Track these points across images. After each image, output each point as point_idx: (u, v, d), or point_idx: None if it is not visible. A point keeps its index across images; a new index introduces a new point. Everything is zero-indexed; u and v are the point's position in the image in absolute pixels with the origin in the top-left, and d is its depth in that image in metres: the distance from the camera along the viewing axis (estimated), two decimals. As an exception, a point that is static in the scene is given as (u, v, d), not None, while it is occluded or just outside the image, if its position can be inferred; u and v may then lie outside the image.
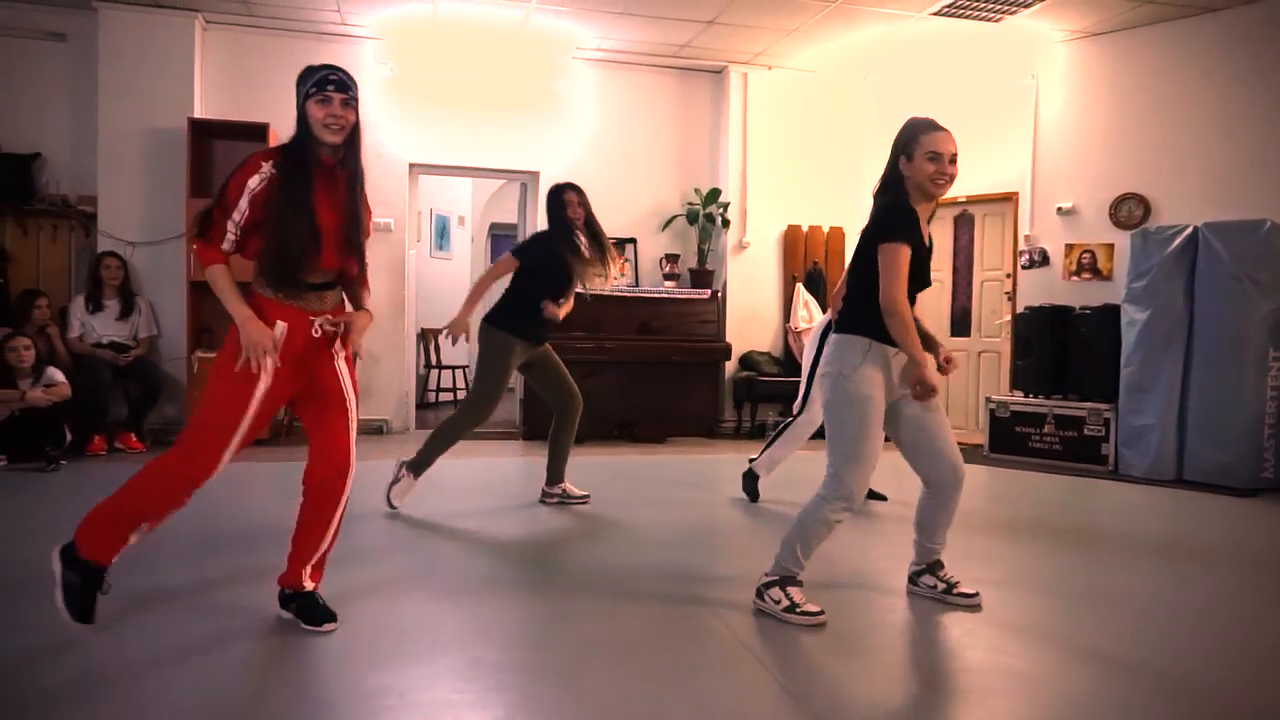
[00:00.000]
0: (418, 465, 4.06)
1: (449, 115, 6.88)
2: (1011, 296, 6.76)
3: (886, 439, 2.74)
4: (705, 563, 3.45)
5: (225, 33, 6.40)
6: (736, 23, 6.20)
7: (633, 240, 7.25)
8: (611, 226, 4.97)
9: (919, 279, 2.70)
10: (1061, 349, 6.05)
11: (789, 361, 7.34)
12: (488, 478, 5.14)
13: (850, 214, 7.59)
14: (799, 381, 7.10)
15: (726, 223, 7.20)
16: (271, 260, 2.33)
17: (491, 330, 4.07)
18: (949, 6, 5.75)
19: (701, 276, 7.24)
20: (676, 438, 6.91)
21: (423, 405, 8.27)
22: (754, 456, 4.57)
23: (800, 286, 7.37)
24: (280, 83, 6.44)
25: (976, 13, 5.85)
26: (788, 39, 6.55)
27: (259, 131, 6.13)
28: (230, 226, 2.34)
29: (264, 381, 2.31)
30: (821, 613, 2.61)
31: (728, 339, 7.18)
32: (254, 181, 2.33)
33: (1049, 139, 6.55)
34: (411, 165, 6.85)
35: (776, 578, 2.68)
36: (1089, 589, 3.10)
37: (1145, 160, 6.03)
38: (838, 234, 7.52)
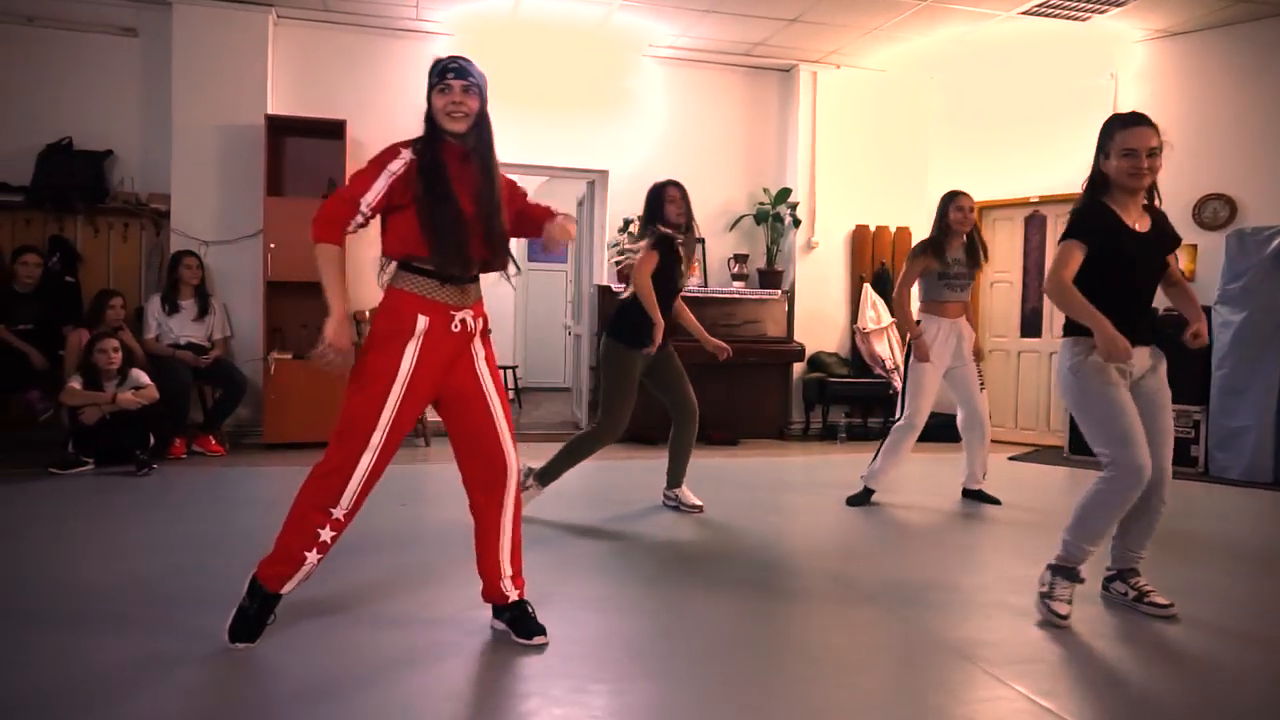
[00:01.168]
0: (545, 475, 4.02)
1: (519, 113, 6.77)
2: (1086, 297, 6.72)
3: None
4: (861, 567, 3.38)
5: (298, 28, 6.30)
6: (819, 20, 6.15)
7: (701, 240, 7.17)
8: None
9: (1145, 270, 2.71)
10: (1147, 350, 6.01)
11: (857, 362, 7.30)
12: (588, 482, 5.05)
13: (917, 214, 7.53)
14: (869, 383, 7.14)
15: (797, 222, 7.15)
16: (419, 250, 2.25)
17: (610, 342, 4.03)
18: (1040, 5, 5.71)
19: (771, 276, 7.18)
20: (748, 440, 6.84)
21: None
22: (864, 473, 4.52)
23: (868, 287, 7.32)
24: (355, 79, 6.40)
25: (1066, 11, 5.81)
26: (865, 38, 6.49)
27: (336, 129, 6.04)
28: (363, 205, 2.23)
29: (399, 383, 2.23)
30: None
31: (797, 339, 7.12)
32: (395, 164, 2.26)
33: (1128, 139, 6.51)
34: (482, 164, 6.75)
35: (1060, 565, 2.73)
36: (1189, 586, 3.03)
37: (1230, 160, 6.00)
38: (905, 234, 7.47)
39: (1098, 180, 2.73)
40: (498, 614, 2.45)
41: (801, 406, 7.25)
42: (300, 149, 6.21)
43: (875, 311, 7.27)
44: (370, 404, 2.23)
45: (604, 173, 7.03)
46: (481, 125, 2.33)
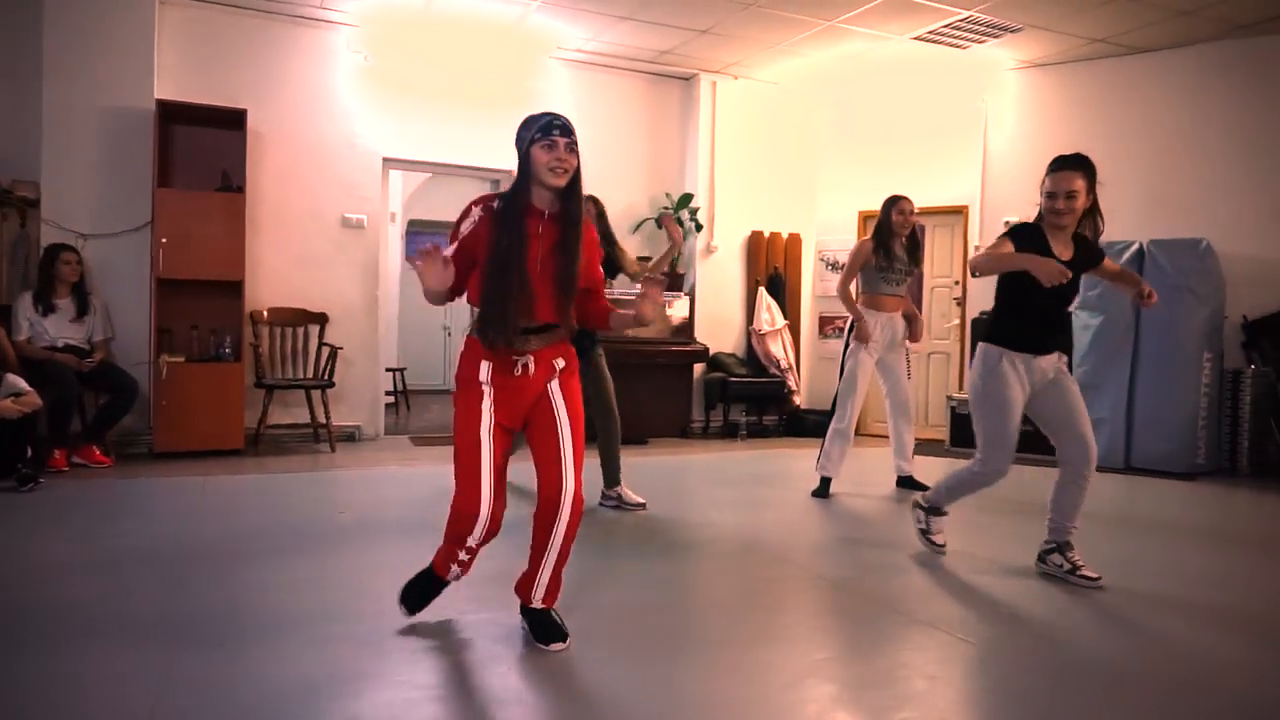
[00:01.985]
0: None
1: (423, 109, 6.64)
2: (961, 302, 7.33)
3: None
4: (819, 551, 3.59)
5: (191, 10, 5.90)
6: (729, 33, 6.38)
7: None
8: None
9: (1049, 291, 2.92)
10: (1017, 351, 6.63)
11: (753, 362, 7.61)
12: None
13: (807, 222, 7.97)
14: (766, 382, 7.46)
15: (700, 226, 7.37)
16: (481, 310, 2.39)
17: None
18: (929, 32, 6.17)
19: (673, 279, 7.36)
20: (654, 439, 7.00)
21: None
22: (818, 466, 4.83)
23: (763, 290, 7.64)
24: (255, 67, 6.08)
25: (950, 39, 6.32)
26: (767, 51, 6.79)
27: (235, 119, 5.71)
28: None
29: (486, 415, 2.40)
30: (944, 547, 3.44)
31: (699, 340, 7.35)
32: (465, 226, 2.37)
33: (998, 158, 7.15)
34: (385, 160, 6.56)
35: (927, 504, 3.45)
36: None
37: (1085, 181, 6.71)
38: (796, 240, 7.86)
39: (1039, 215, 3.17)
40: (523, 612, 2.54)
41: (702, 405, 7.48)
42: (195, 138, 5.82)
43: (770, 314, 7.61)
44: (471, 446, 2.38)
45: (511, 173, 6.97)
46: (576, 184, 2.39)
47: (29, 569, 3.09)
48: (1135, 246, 6.08)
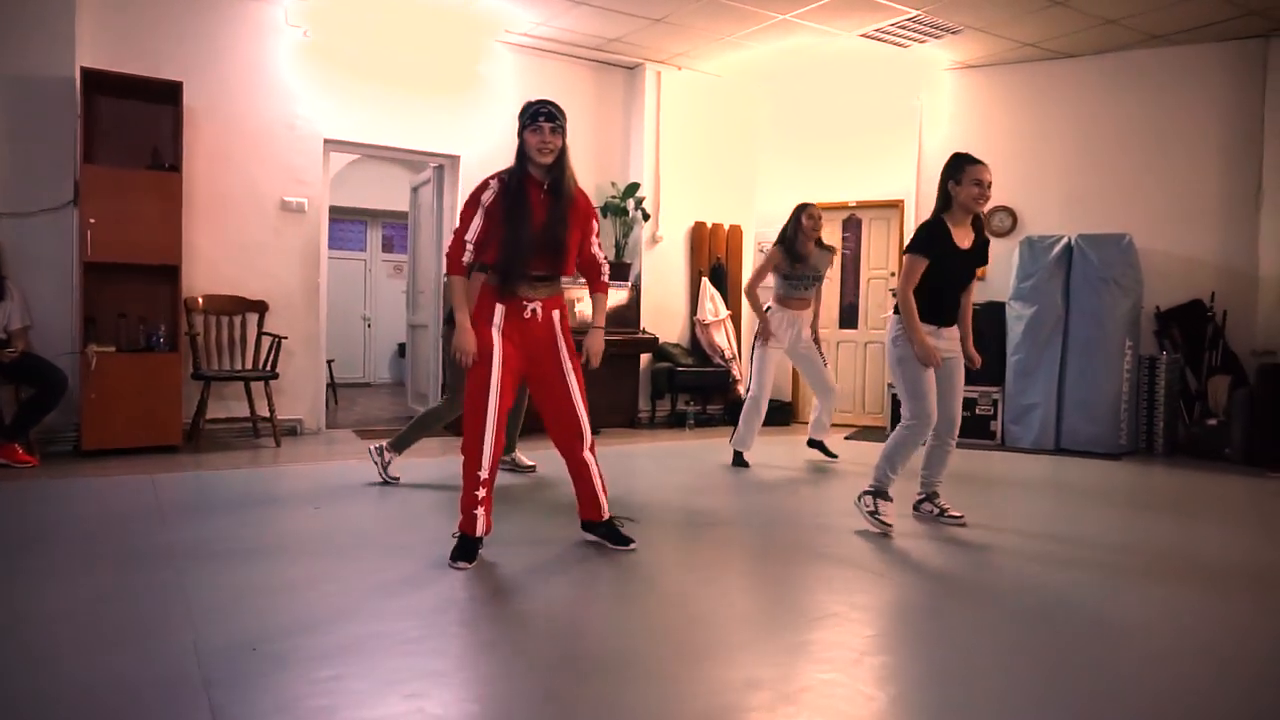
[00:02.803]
0: (399, 444, 4.47)
1: (366, 90, 6.38)
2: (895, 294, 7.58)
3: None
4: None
5: (112, -27, 5.47)
6: (682, 23, 6.39)
7: (551, 231, 7.17)
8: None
9: (959, 277, 3.68)
10: (954, 340, 6.92)
11: (698, 352, 7.67)
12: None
13: (747, 214, 8.08)
14: (711, 372, 7.53)
15: (647, 216, 7.37)
16: (495, 263, 2.96)
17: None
18: (877, 30, 6.35)
19: (619, 269, 7.33)
20: (605, 429, 6.96)
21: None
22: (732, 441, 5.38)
23: (706, 280, 7.71)
24: (188, 40, 5.69)
25: (894, 38, 6.52)
26: (715, 43, 6.84)
27: (169, 92, 5.35)
28: (468, 241, 2.92)
29: (496, 366, 2.91)
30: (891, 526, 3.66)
31: (645, 330, 7.35)
32: (486, 196, 2.93)
33: (933, 154, 7.42)
34: (327, 141, 6.26)
35: (873, 488, 3.71)
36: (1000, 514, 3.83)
37: (1015, 178, 7.05)
38: (736, 232, 7.97)
39: (944, 201, 3.66)
40: (591, 529, 3.24)
41: (649, 395, 7.49)
42: (123, 112, 5.41)
43: (713, 304, 7.68)
44: (481, 389, 2.91)
45: (456, 158, 6.79)
46: (562, 159, 2.94)
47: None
48: (1064, 241, 6.44)
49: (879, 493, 3.69)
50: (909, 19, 6.13)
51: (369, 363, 11.49)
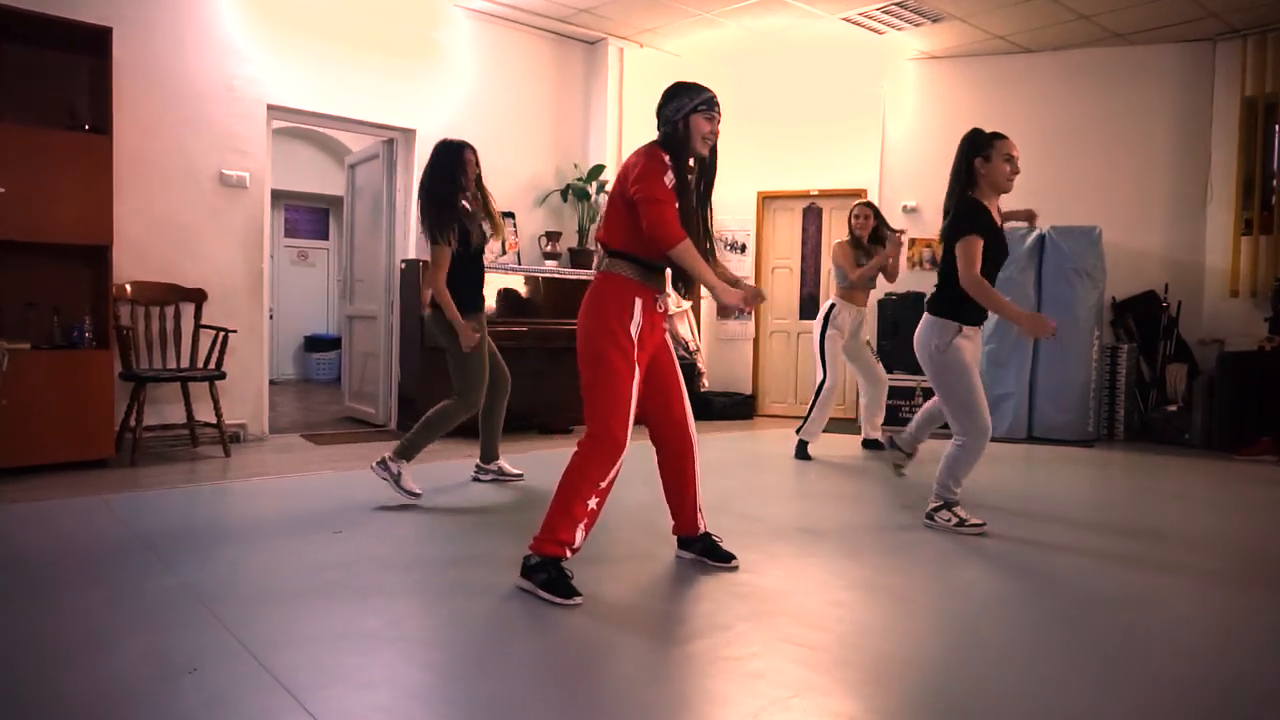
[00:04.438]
0: (407, 450, 3.81)
1: (314, 52, 5.66)
2: (859, 284, 7.50)
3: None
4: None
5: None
6: (661, -5, 6.02)
7: (512, 215, 6.65)
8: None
9: (999, 262, 3.39)
10: (925, 330, 6.91)
11: (661, 345, 7.33)
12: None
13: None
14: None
15: (613, 202, 6.95)
16: (637, 243, 2.64)
17: (437, 316, 3.93)
18: (860, 14, 6.20)
19: (582, 256, 6.90)
20: (578, 426, 6.52)
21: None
22: (799, 427, 5.28)
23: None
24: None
25: (875, 23, 6.39)
26: (688, 20, 6.51)
27: (95, 40, 4.52)
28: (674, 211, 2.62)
29: (637, 368, 2.63)
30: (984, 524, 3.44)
31: (610, 322, 6.94)
32: (669, 178, 2.61)
33: (896, 143, 7.39)
34: (270, 107, 5.51)
35: (941, 503, 3.48)
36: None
37: (977, 170, 7.10)
38: (696, 219, 7.66)
39: (968, 180, 3.39)
40: (688, 546, 2.95)
41: (613, 391, 7.09)
42: (30, 61, 4.52)
43: (676, 295, 7.35)
44: (625, 396, 2.59)
45: (411, 131, 6.16)
46: (714, 152, 2.78)
47: None
48: (1036, 233, 6.51)
49: (949, 504, 3.49)
50: (895, 3, 6.01)
51: (271, 357, 10.47)
